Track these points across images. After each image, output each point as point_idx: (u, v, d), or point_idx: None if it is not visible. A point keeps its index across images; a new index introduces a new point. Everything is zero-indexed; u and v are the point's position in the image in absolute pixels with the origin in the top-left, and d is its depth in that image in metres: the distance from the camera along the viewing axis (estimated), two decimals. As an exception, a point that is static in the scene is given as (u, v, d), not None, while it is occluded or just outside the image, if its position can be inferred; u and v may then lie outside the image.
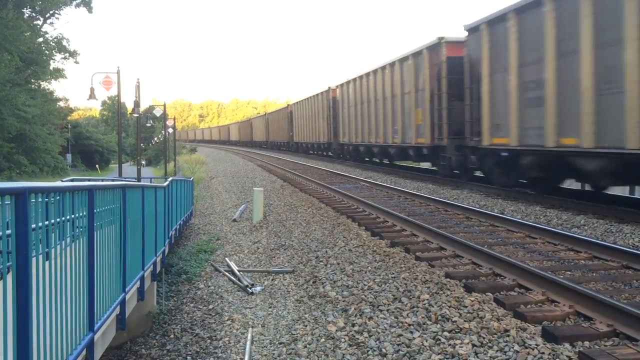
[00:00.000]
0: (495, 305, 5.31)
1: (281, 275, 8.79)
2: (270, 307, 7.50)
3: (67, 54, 46.79)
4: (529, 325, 4.74)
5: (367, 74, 24.22)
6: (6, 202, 2.60)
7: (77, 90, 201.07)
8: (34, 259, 2.79)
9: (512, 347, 4.37)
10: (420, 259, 7.33)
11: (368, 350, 4.92)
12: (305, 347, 5.60)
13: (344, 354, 5.06)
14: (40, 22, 45.75)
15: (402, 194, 14.12)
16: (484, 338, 4.60)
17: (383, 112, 22.26)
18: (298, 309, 7.01)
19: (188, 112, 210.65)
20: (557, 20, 10.83)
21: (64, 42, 46.48)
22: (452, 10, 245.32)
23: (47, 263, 3.08)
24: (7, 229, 2.69)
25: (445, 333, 4.84)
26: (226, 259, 10.66)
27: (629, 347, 4.16)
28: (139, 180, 19.14)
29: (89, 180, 14.82)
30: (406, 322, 5.24)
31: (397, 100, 20.64)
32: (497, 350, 4.37)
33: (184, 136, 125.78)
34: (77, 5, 46.49)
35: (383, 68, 22.09)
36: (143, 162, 59.95)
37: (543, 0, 11.16)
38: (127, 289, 5.31)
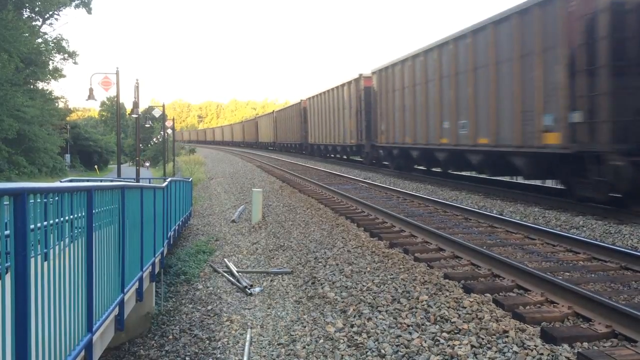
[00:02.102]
0: (494, 306, 5.31)
1: (280, 276, 8.79)
2: (269, 308, 7.49)
3: (66, 55, 46.72)
4: (528, 326, 4.74)
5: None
6: (5, 203, 2.60)
7: (76, 90, 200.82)
8: (32, 260, 2.79)
9: (511, 348, 4.37)
10: (419, 260, 7.33)
11: (367, 351, 4.92)
12: (304, 348, 5.61)
13: (342, 355, 5.06)
14: (39, 23, 45.71)
15: (401, 195, 14.13)
16: (483, 339, 4.60)
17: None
18: (297, 309, 7.01)
19: (187, 112, 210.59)
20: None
21: (63, 43, 46.44)
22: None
23: (45, 264, 3.07)
24: (6, 230, 2.69)
25: (444, 334, 4.84)
26: (225, 259, 10.65)
27: (627, 348, 4.16)
28: (137, 181, 19.13)
29: (87, 180, 14.81)
30: (405, 323, 5.24)
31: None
32: (496, 351, 4.37)
33: (195, 137, 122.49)
34: (77, 6, 46.42)
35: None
36: (147, 164, 59.81)
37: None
38: (125, 290, 5.30)
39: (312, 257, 8.95)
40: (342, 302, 6.44)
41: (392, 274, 6.83)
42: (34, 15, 45.02)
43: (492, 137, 13.40)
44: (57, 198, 3.38)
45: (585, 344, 4.34)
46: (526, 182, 14.97)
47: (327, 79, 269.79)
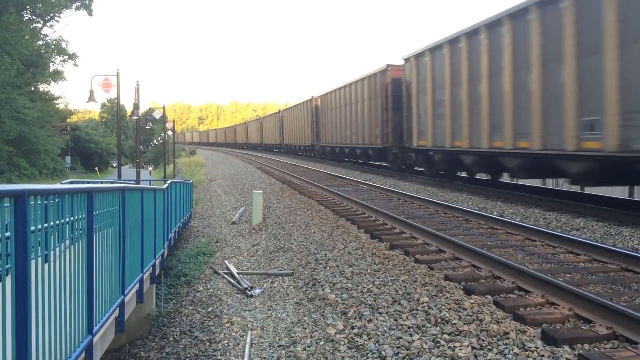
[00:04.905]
0: (495, 308, 5.30)
1: (281, 278, 8.79)
2: (269, 310, 7.49)
3: (66, 57, 46.75)
4: (529, 328, 4.74)
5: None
6: (6, 205, 2.60)
7: (77, 93, 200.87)
8: (33, 262, 2.79)
9: (512, 350, 4.36)
10: (419, 262, 7.32)
11: (367, 353, 4.92)
12: (305, 350, 5.60)
13: (343, 357, 5.06)
14: (40, 25, 45.75)
15: (402, 197, 14.12)
16: (483, 341, 4.60)
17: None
18: (297, 311, 7.00)
19: (187, 114, 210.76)
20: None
21: (64, 45, 46.50)
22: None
23: (46, 266, 3.07)
24: (7, 232, 2.69)
25: (445, 336, 4.83)
26: (225, 261, 10.65)
27: (628, 350, 4.16)
28: (138, 183, 19.14)
29: (88, 183, 14.82)
30: (406, 325, 5.24)
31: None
32: (497, 353, 4.37)
33: (198, 138, 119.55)
34: (78, 9, 46.47)
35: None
36: (150, 168, 59.91)
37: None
38: (126, 292, 5.30)
39: (313, 259, 8.95)
40: (343, 304, 6.43)
41: (392, 276, 6.82)
42: (34, 18, 45.08)
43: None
44: (57, 200, 3.38)
45: (587, 346, 4.34)
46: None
47: (328, 81, 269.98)
